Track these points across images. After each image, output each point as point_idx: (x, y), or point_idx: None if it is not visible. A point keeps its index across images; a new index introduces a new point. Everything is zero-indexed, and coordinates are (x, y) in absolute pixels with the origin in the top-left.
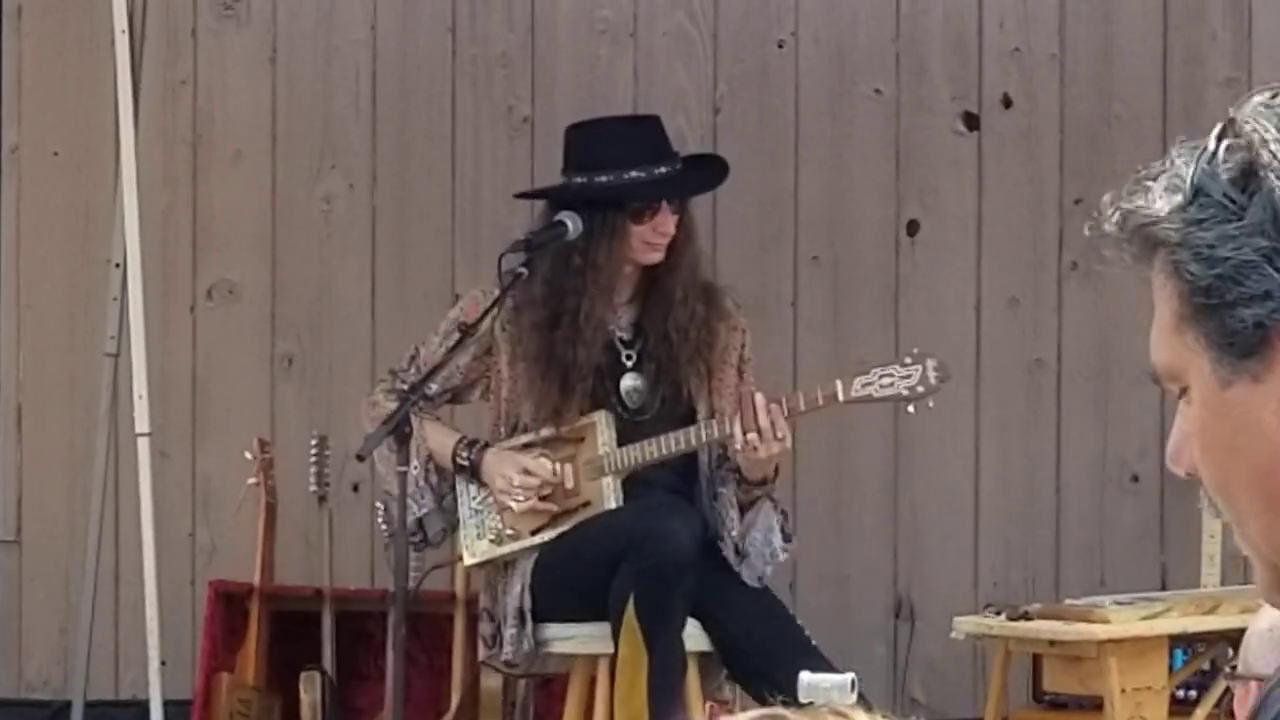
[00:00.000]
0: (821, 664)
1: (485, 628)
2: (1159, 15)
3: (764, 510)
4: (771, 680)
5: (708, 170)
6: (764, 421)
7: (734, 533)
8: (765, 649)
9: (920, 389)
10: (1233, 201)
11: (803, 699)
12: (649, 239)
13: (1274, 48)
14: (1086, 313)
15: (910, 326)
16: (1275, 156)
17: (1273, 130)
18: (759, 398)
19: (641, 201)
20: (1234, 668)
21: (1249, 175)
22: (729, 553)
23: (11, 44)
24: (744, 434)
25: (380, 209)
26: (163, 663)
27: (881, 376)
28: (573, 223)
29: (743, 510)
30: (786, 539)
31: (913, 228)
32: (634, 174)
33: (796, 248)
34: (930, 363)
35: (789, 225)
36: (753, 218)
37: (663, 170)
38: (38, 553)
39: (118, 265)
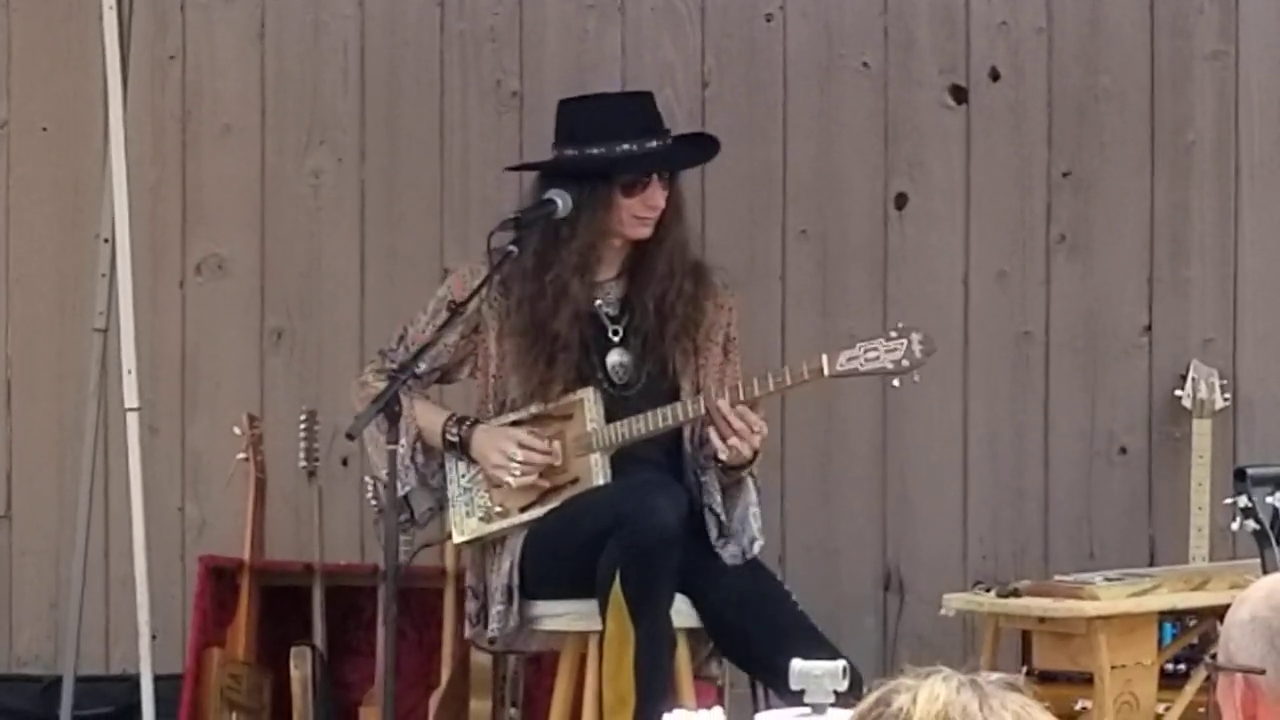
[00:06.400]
0: (812, 638)
1: (471, 605)
2: None
3: (745, 489)
4: (762, 657)
5: (699, 146)
6: (737, 424)
7: (719, 512)
8: (755, 625)
9: (905, 363)
10: None
11: (794, 686)
12: (638, 213)
13: (1260, 20)
14: (1074, 285)
15: (899, 300)
16: None
17: None
18: (723, 404)
19: (632, 173)
20: (1214, 656)
21: None
22: (712, 531)
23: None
24: (724, 441)
25: (369, 184)
26: (153, 637)
27: (867, 351)
28: (562, 200)
29: (725, 491)
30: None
31: (901, 201)
32: (625, 147)
33: (785, 221)
34: (915, 336)
35: (777, 199)
36: (741, 191)
37: (654, 144)
38: (27, 528)
39: (106, 240)
